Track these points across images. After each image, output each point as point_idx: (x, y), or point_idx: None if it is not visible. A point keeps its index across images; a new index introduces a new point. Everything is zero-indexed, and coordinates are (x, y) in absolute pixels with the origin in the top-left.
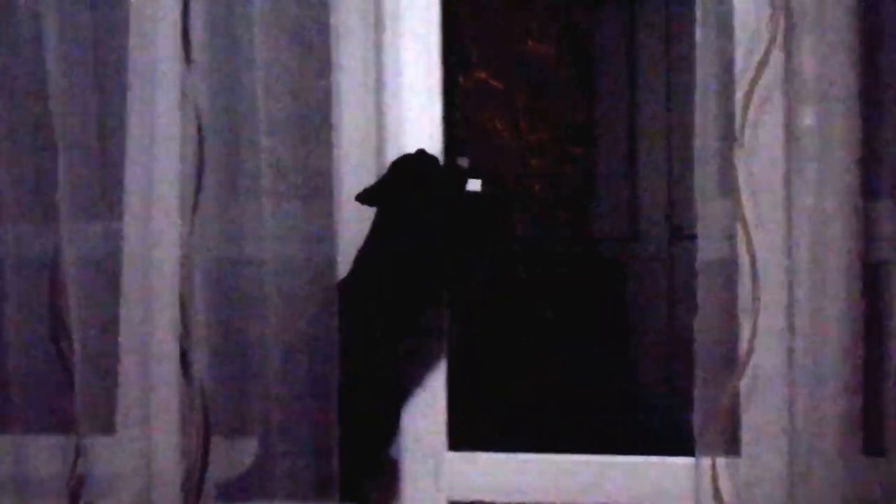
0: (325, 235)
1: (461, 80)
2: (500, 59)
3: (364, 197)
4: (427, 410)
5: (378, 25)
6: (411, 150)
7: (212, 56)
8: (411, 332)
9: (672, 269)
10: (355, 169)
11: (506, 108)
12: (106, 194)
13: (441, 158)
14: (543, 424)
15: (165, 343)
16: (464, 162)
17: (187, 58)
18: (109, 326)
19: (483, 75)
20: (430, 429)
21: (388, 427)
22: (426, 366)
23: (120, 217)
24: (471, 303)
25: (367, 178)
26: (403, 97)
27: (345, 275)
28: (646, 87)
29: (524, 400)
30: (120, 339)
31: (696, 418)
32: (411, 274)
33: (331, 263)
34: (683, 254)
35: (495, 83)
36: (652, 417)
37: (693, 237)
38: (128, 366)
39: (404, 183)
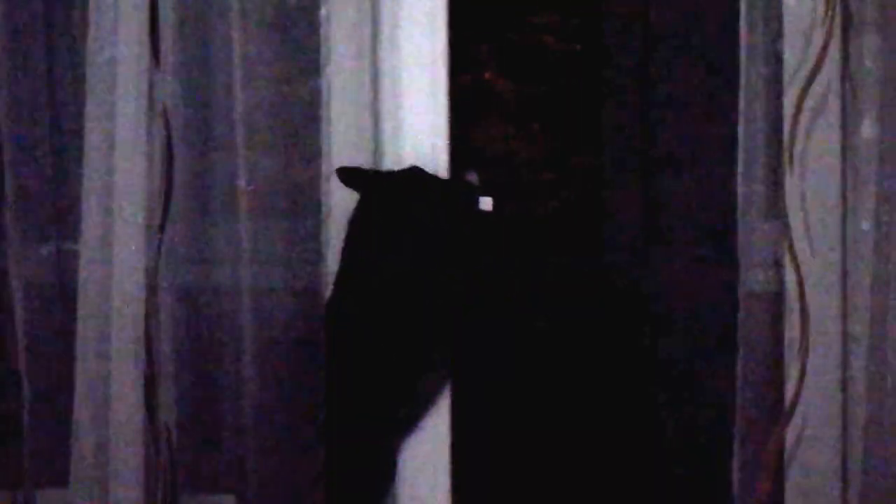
0: (311, 259)
1: (467, 80)
2: (510, 56)
3: (347, 174)
4: (427, 468)
5: (374, 17)
6: (411, 161)
7: (183, 54)
8: (411, 368)
9: (695, 299)
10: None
11: (514, 113)
12: (60, 213)
13: (445, 170)
14: (558, 479)
15: (127, 383)
16: (473, 177)
17: (155, 56)
18: (63, 363)
19: (489, 75)
20: (430, 486)
21: (383, 481)
22: (426, 407)
23: (76, 238)
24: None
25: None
26: (402, 101)
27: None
28: (663, 91)
29: (537, 458)
30: (75, 379)
31: (736, 474)
32: (410, 301)
33: (317, 291)
34: (711, 282)
35: (503, 84)
36: (683, 472)
37: (726, 263)
38: (83, 409)
39: (405, 188)
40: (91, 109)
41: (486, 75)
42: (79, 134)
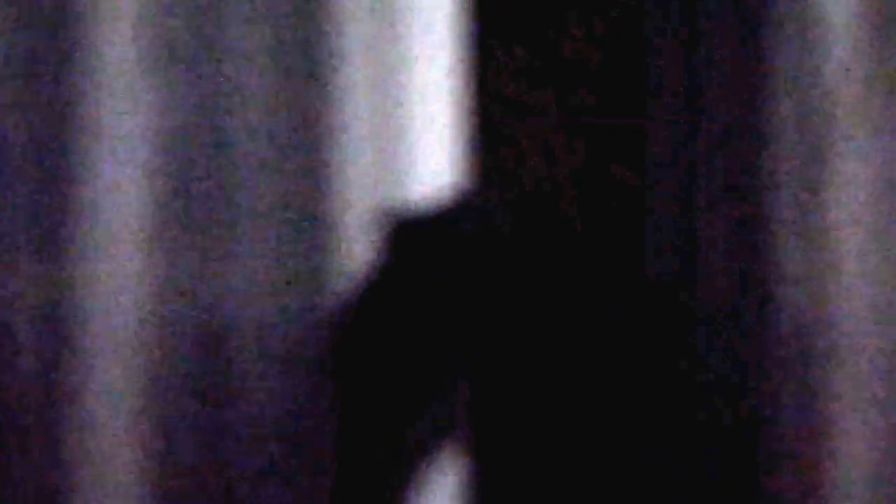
0: (318, 271)
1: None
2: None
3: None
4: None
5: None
6: (424, 164)
7: (179, 48)
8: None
9: (744, 327)
10: (359, 180)
11: (538, 118)
12: (48, 224)
13: (462, 177)
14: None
15: (124, 395)
16: (493, 193)
17: (148, 53)
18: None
19: (511, 73)
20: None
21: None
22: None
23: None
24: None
25: (374, 195)
26: (415, 100)
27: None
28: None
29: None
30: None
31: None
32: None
33: (324, 305)
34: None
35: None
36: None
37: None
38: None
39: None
40: (77, 109)
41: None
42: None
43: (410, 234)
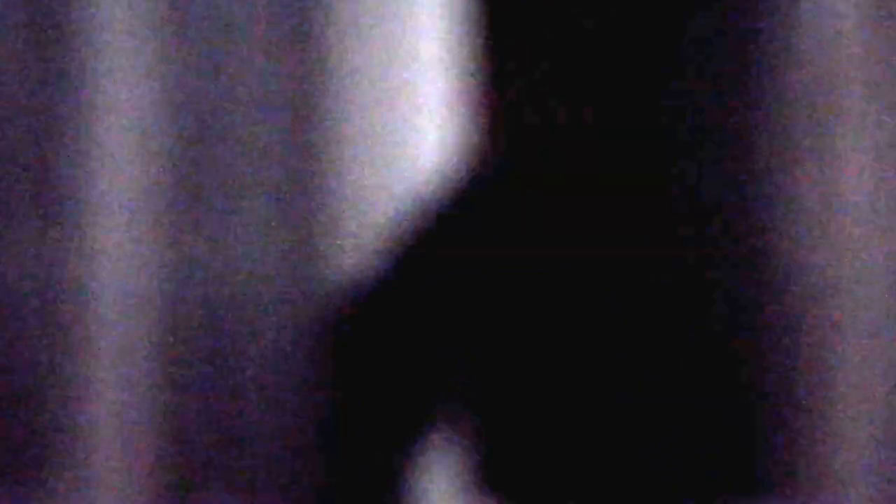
0: (322, 258)
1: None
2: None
3: None
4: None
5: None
6: (428, 142)
7: (179, 21)
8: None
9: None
10: (360, 160)
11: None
12: (50, 204)
13: (464, 146)
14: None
15: (132, 382)
16: (497, 162)
17: (149, 25)
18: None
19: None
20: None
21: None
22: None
23: (70, 233)
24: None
25: (377, 178)
26: (419, 76)
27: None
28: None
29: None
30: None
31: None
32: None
33: (326, 293)
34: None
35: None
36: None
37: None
38: (88, 408)
39: None
40: (75, 82)
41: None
42: (60, 111)
43: (409, 218)
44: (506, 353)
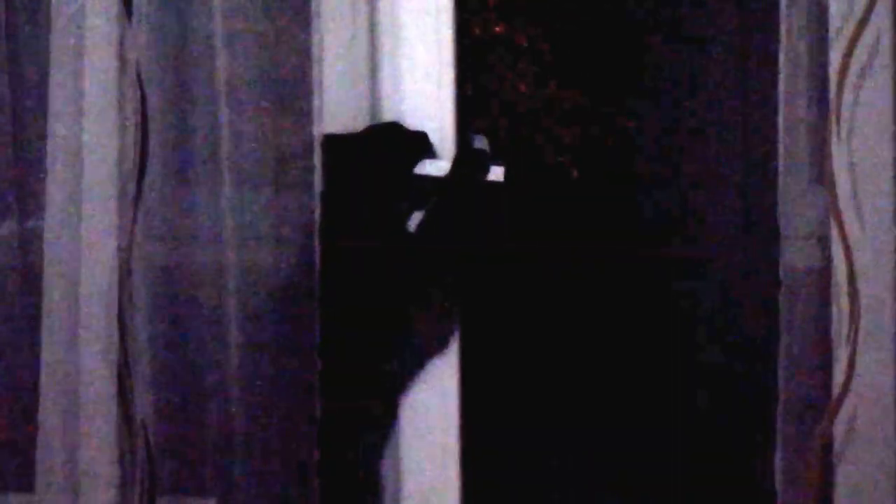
0: (304, 233)
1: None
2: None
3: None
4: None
5: None
6: (413, 120)
7: (158, 6)
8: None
9: (736, 277)
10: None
11: (530, 62)
12: (22, 185)
13: (452, 134)
14: (580, 472)
15: (99, 375)
16: (481, 142)
17: (127, 9)
18: (25, 354)
19: (501, 26)
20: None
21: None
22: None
23: (40, 214)
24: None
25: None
26: (403, 53)
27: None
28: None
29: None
30: (41, 371)
31: (778, 475)
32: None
33: (310, 269)
34: (756, 257)
35: (518, 33)
36: (724, 468)
37: (771, 237)
38: (50, 404)
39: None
40: (55, 68)
41: (499, 26)
42: (42, 95)
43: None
44: (504, 353)
